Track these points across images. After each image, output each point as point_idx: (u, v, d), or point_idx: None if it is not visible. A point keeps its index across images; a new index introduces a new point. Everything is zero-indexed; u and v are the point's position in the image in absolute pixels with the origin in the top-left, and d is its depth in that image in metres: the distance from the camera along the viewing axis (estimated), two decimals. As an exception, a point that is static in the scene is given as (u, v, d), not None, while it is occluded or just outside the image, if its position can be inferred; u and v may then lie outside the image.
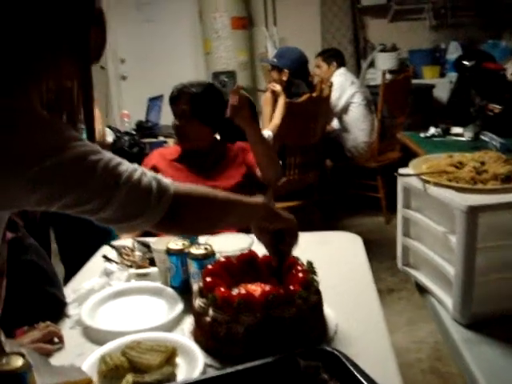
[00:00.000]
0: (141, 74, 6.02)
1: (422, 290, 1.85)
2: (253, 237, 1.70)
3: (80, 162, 0.94)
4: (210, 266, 1.41)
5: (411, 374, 2.53)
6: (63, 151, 0.92)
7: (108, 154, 0.99)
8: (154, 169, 2.28)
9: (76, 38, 1.00)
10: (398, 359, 1.27)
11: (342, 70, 4.49)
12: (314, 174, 3.67)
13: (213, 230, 1.37)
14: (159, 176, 1.07)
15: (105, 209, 0.98)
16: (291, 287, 1.28)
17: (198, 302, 1.31)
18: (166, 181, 1.06)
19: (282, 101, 3.40)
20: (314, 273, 1.36)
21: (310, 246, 1.81)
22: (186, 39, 5.96)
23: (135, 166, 1.03)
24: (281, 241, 1.28)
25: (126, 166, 1.01)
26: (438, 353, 2.65)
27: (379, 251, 3.71)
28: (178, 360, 1.25)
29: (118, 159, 1.00)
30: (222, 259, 1.45)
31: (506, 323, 1.64)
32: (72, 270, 1.93)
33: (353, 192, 4.60)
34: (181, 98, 2.27)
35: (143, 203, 1.01)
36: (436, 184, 1.67)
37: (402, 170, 1.83)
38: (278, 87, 3.52)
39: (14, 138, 0.90)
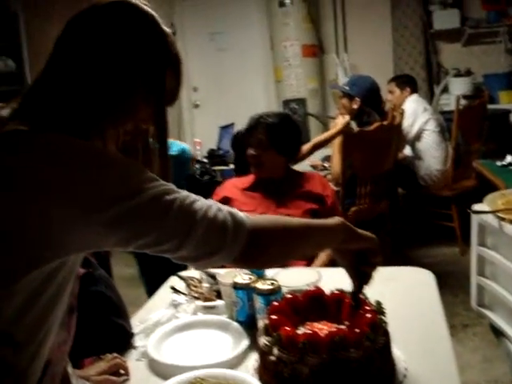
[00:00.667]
0: (213, 102, 6.13)
1: (497, 331, 1.76)
2: (319, 271, 1.68)
3: (156, 203, 0.95)
4: (275, 303, 1.39)
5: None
6: (140, 194, 0.94)
7: (183, 193, 1.00)
8: (226, 199, 2.31)
9: (153, 82, 1.04)
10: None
11: (414, 97, 4.41)
12: (386, 203, 3.60)
13: (292, 259, 1.35)
14: (234, 210, 1.05)
15: (182, 248, 0.98)
16: (358, 329, 1.24)
17: (262, 340, 1.29)
18: (242, 215, 1.05)
19: (337, 140, 3.39)
20: (383, 313, 1.31)
21: (378, 282, 1.76)
22: (258, 67, 6.03)
23: (210, 202, 1.03)
24: (362, 262, 1.22)
25: (201, 204, 1.00)
26: (515, 394, 2.52)
27: (453, 284, 3.58)
28: (242, 399, 1.23)
29: (192, 197, 1.01)
30: (288, 295, 1.42)
31: None
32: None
33: (426, 221, 4.47)
34: (258, 128, 2.32)
35: (220, 240, 1.00)
36: (513, 221, 1.59)
37: (476, 207, 1.76)
38: (342, 121, 3.51)
39: (92, 181, 0.92)
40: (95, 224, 0.92)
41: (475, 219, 1.78)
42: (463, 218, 4.25)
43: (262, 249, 1.07)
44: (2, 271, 0.92)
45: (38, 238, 0.91)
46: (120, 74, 1.00)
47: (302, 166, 3.75)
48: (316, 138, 3.77)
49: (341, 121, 3.55)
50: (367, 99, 3.61)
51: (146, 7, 1.05)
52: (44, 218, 0.90)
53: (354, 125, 3.56)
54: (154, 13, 1.06)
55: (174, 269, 1.94)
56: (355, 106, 3.61)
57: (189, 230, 0.97)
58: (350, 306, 1.30)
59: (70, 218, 0.91)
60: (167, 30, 1.07)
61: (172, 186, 1.00)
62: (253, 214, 2.36)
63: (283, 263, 1.44)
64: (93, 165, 0.93)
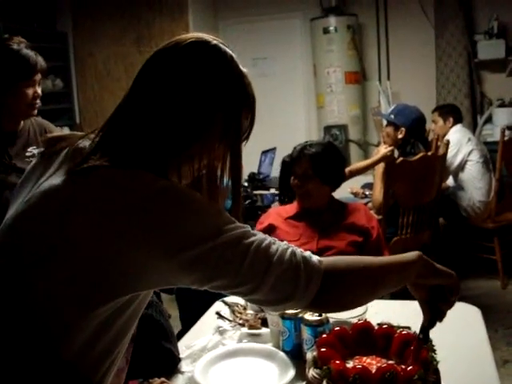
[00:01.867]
0: (255, 127, 6.15)
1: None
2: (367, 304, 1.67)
3: (235, 246, 0.95)
4: (324, 335, 1.39)
5: None
6: (219, 236, 0.94)
7: (260, 235, 1.00)
8: (271, 227, 2.32)
9: (229, 122, 1.05)
10: None
11: (458, 127, 4.38)
12: (428, 234, 3.56)
13: (371, 301, 1.28)
14: (308, 254, 1.03)
15: (256, 292, 0.98)
16: (408, 365, 1.23)
17: (311, 373, 1.29)
18: (315, 259, 1.03)
19: (380, 169, 3.38)
20: (434, 351, 1.30)
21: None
22: (300, 93, 6.06)
23: (285, 245, 1.02)
24: (438, 297, 1.17)
25: (276, 247, 1.00)
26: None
27: (494, 318, 3.52)
28: (290, 431, 1.23)
29: (268, 239, 1.00)
30: (337, 328, 1.42)
31: None
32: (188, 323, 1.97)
33: (468, 253, 4.41)
34: (302, 158, 2.32)
35: (292, 287, 0.98)
36: None
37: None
38: (385, 150, 3.51)
39: (175, 222, 0.93)
40: (175, 264, 0.93)
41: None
42: (506, 251, 4.18)
43: (336, 295, 1.05)
44: (83, 300, 0.94)
45: (118, 273, 0.93)
46: (198, 112, 1.02)
47: (342, 193, 3.75)
48: (356, 164, 3.78)
49: (383, 150, 3.54)
50: (413, 130, 3.59)
51: (225, 47, 1.07)
52: (125, 257, 0.92)
53: (396, 154, 3.55)
54: (233, 53, 1.07)
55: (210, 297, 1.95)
56: (400, 136, 3.59)
57: (263, 276, 0.96)
58: (418, 340, 1.26)
59: (152, 259, 0.93)
60: (245, 70, 1.09)
61: (249, 228, 1.00)
62: (296, 244, 2.36)
63: (363, 305, 1.37)
64: (175, 205, 0.94)
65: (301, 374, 1.40)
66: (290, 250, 1.01)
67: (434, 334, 1.33)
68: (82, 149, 1.04)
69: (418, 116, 3.65)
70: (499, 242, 4.11)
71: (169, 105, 1.01)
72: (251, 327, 1.73)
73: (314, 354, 1.33)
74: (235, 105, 1.05)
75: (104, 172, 0.96)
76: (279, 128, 5.49)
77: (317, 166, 2.30)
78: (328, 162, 2.33)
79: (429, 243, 3.59)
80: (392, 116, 3.64)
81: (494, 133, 5.17)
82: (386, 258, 1.14)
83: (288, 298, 0.99)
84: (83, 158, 0.98)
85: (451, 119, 4.41)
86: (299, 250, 1.03)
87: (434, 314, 1.19)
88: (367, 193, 3.95)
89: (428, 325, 1.22)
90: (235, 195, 1.08)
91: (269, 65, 6.09)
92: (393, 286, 1.15)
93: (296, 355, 1.54)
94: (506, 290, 4.06)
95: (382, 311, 1.52)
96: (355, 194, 4.05)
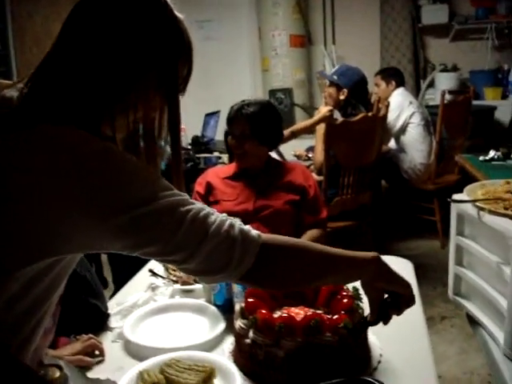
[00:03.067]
0: (198, 90, 6.07)
1: (473, 321, 1.77)
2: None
3: (169, 213, 0.92)
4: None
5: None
6: (153, 202, 0.91)
7: (198, 205, 0.97)
8: (209, 186, 2.30)
9: (165, 69, 1.00)
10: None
11: (400, 90, 4.42)
12: (369, 195, 3.61)
13: (309, 286, 1.28)
14: (247, 228, 1.00)
15: (188, 261, 0.95)
16: (335, 314, 1.25)
17: (238, 323, 1.29)
18: (254, 234, 1.00)
19: (321, 130, 3.37)
20: (360, 299, 1.32)
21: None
22: (245, 56, 6.00)
23: (224, 216, 0.99)
24: (390, 303, 1.15)
25: (214, 218, 0.97)
26: (490, 386, 2.55)
27: (433, 276, 3.62)
28: (216, 381, 1.24)
29: (207, 210, 0.98)
30: (266, 280, 1.42)
31: None
32: (121, 281, 1.94)
33: (408, 214, 4.50)
34: (239, 117, 2.28)
35: (226, 259, 0.96)
36: (491, 212, 1.59)
37: (456, 196, 1.76)
38: (325, 109, 3.49)
39: (106, 182, 0.89)
40: (107, 228, 0.90)
41: (454, 209, 1.78)
42: (445, 212, 4.28)
43: (270, 272, 1.02)
44: (8, 258, 0.89)
45: (49, 232, 0.89)
46: (131, 60, 0.96)
47: (286, 156, 3.75)
48: (296, 125, 3.76)
49: (324, 109, 3.53)
50: (355, 91, 3.60)
51: None
52: (58, 216, 0.88)
53: (338, 115, 3.55)
54: None
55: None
56: (342, 97, 3.59)
57: (198, 245, 0.94)
58: (355, 330, 1.24)
59: (84, 221, 0.89)
60: (180, 15, 1.03)
61: (187, 197, 0.97)
62: (233, 204, 2.32)
63: (299, 289, 1.37)
64: (111, 168, 0.91)
65: (231, 326, 1.39)
66: (228, 222, 0.98)
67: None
68: (9, 99, 0.97)
69: (361, 77, 3.66)
70: (439, 203, 4.20)
71: (98, 51, 0.95)
72: (184, 283, 1.72)
73: (242, 305, 1.33)
74: (170, 51, 1.00)
75: (38, 129, 0.91)
76: (224, 91, 5.43)
77: (254, 127, 2.25)
78: (266, 122, 2.29)
79: (369, 204, 3.64)
80: (335, 77, 3.64)
81: (436, 97, 5.25)
82: (339, 250, 1.09)
83: (221, 269, 0.97)
84: (13, 112, 0.93)
85: (393, 82, 4.44)
86: (238, 223, 1.00)
87: (380, 316, 1.16)
88: (310, 155, 3.97)
89: (372, 323, 1.19)
90: (174, 151, 1.04)
91: (214, 28, 6.00)
92: (338, 279, 1.15)
93: (227, 309, 1.54)
94: (445, 249, 4.17)
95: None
96: (298, 157, 4.06)
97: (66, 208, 0.88)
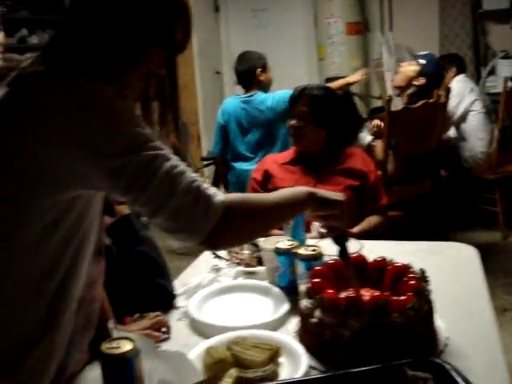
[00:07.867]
0: (254, 79, 6.08)
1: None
2: (361, 242, 1.67)
3: (147, 165, 0.99)
4: (318, 268, 1.39)
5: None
6: (138, 152, 0.98)
7: (173, 161, 1.02)
8: (266, 173, 2.31)
9: (163, 28, 1.08)
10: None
11: (461, 77, 4.31)
12: (428, 184, 3.54)
13: (263, 235, 1.44)
14: (213, 192, 1.06)
15: (156, 216, 1.02)
16: (402, 295, 1.23)
17: (304, 303, 1.29)
18: (219, 197, 1.05)
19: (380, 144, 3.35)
20: (427, 281, 1.30)
21: (422, 255, 1.75)
22: (300, 45, 5.96)
23: (196, 177, 1.04)
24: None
25: (186, 177, 1.02)
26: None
27: (494, 267, 3.52)
28: (282, 359, 1.24)
29: (180, 168, 1.03)
30: (331, 261, 1.42)
31: None
32: None
33: (468, 204, 4.39)
34: (301, 99, 2.29)
35: (190, 218, 1.02)
36: None
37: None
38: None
39: (102, 129, 0.97)
40: (98, 170, 0.98)
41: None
42: (506, 203, 4.17)
43: (233, 232, 1.09)
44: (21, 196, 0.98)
45: (51, 170, 0.97)
46: (130, 22, 1.05)
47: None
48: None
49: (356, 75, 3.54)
50: (431, 83, 3.56)
51: None
52: (59, 156, 0.96)
53: (399, 102, 3.51)
54: None
55: None
56: (416, 83, 3.56)
57: (165, 201, 1.00)
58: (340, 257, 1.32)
59: (81, 161, 0.97)
60: None
61: (167, 151, 1.03)
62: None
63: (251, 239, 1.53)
64: (107, 114, 0.99)
65: (295, 307, 1.40)
66: (195, 184, 1.03)
67: (431, 269, 1.34)
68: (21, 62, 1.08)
69: (442, 69, 3.64)
70: (500, 193, 4.09)
71: (102, 16, 1.05)
72: (247, 265, 1.73)
73: (308, 285, 1.33)
74: (166, 12, 1.08)
75: (42, 79, 1.00)
76: (279, 80, 5.40)
77: (314, 109, 2.26)
78: (326, 105, 2.29)
79: (429, 193, 3.57)
80: (424, 61, 3.61)
81: (497, 84, 5.08)
82: (277, 195, 1.19)
83: (184, 229, 1.03)
84: (22, 69, 1.03)
85: (454, 69, 4.33)
86: (205, 186, 1.05)
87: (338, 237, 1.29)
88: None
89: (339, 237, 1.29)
90: (173, 104, 1.14)
91: (268, 16, 5.98)
92: (284, 220, 1.40)
93: (291, 291, 1.53)
94: (507, 241, 4.06)
95: (375, 251, 1.52)
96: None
97: (64, 148, 0.96)
